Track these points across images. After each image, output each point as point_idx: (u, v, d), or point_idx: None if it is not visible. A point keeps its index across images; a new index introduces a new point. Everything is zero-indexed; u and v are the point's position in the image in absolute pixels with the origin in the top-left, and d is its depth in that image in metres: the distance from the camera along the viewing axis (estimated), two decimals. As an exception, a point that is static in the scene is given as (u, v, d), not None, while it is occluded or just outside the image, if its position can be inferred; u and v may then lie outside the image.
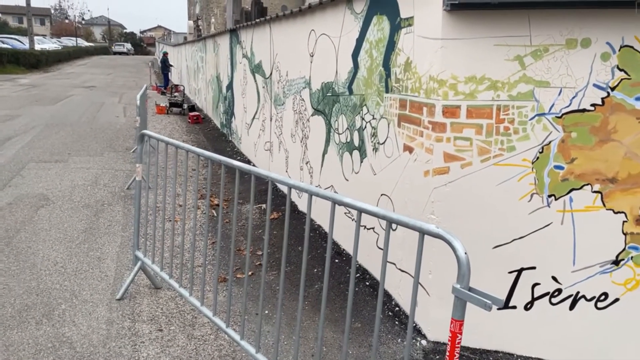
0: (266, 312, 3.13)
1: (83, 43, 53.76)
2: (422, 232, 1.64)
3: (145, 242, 3.41)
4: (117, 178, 6.25)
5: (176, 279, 3.26)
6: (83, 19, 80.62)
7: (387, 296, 3.30)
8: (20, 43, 33.14)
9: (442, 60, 2.65)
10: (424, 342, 2.86)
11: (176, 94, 14.38)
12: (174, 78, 19.43)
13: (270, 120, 6.48)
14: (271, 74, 6.36)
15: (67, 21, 73.06)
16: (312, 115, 4.83)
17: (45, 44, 37.82)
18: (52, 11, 73.14)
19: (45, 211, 4.87)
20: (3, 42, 31.36)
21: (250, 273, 3.63)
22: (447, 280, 2.67)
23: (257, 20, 6.98)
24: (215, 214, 4.77)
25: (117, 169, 6.74)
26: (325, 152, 4.51)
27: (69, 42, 49.04)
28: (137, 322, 2.98)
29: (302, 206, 4.93)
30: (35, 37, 34.31)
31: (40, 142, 8.27)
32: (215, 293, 2.60)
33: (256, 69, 7.20)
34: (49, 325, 2.88)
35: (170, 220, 3.32)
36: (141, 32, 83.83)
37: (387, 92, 3.30)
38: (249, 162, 7.47)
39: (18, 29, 48.18)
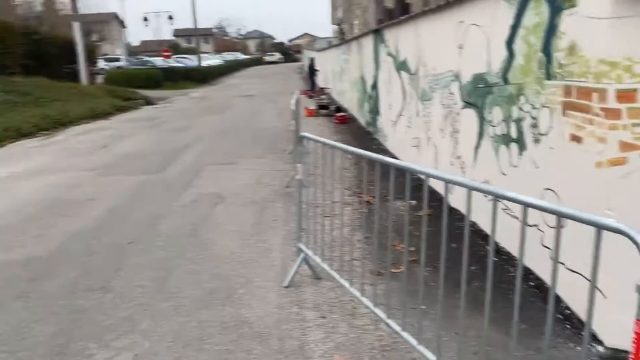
0: (423, 307, 3.17)
1: (240, 56, 59.07)
2: (599, 228, 1.54)
3: (307, 236, 3.70)
4: (277, 177, 6.81)
5: (336, 270, 3.47)
6: (240, 34, 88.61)
7: (555, 297, 3.11)
8: (191, 61, 37.61)
9: (613, 40, 2.42)
10: (600, 348, 2.64)
11: (323, 96, 15.07)
12: (320, 81, 20.36)
13: (417, 116, 6.46)
14: (417, 69, 6.34)
15: (226, 38, 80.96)
16: (463, 108, 4.73)
17: (210, 60, 42.33)
18: (214, 30, 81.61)
19: (221, 207, 5.53)
20: (178, 62, 35.88)
21: (404, 268, 3.70)
22: (626, 280, 2.44)
23: (402, 17, 7.02)
24: (368, 209, 4.94)
25: (276, 169, 7.34)
26: (478, 145, 4.38)
27: (229, 56, 54.24)
28: (303, 309, 3.25)
29: (455, 202, 4.84)
30: (202, 55, 38.62)
31: (214, 147, 9.36)
32: (373, 285, 2.72)
33: (401, 66, 7.24)
34: (231, 307, 3.30)
35: (327, 216, 3.54)
36: (289, 41, 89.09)
37: (548, 79, 3.11)
38: (395, 159, 7.54)
39: (187, 49, 54.64)
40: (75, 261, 4.15)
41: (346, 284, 3.12)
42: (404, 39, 6.98)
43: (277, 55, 66.57)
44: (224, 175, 7.06)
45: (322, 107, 13.85)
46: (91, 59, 23.45)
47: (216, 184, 6.61)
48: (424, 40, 6.03)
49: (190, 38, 62.84)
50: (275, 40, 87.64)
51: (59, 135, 11.92)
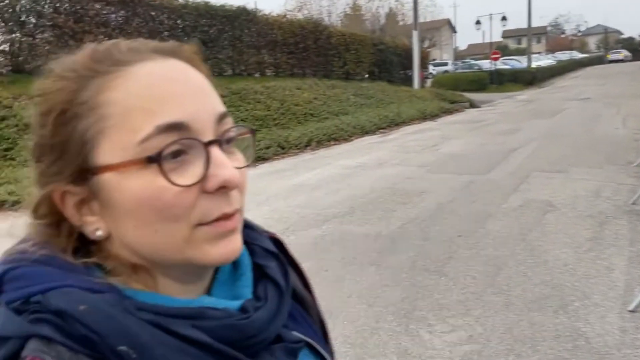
0: None
1: (576, 55, 53.61)
2: None
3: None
4: (620, 192, 6.07)
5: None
6: (579, 31, 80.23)
7: None
8: (518, 62, 36.35)
9: None
10: None
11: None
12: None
13: None
14: None
15: (562, 36, 74.63)
16: None
17: (540, 60, 40.00)
18: (548, 28, 76.36)
19: (552, 216, 5.33)
20: (504, 64, 35.24)
21: None
22: None
23: None
24: None
25: (618, 182, 6.53)
26: None
27: (562, 56, 49.98)
28: (652, 339, 2.90)
29: None
30: (532, 55, 36.78)
31: (541, 153, 8.97)
32: None
33: None
34: (565, 316, 3.21)
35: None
36: (640, 36, 75.69)
37: None
38: None
39: (516, 50, 52.91)
40: (413, 243, 4.74)
41: None
42: None
43: (623, 53, 57.49)
44: (554, 183, 6.72)
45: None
46: (423, 64, 25.46)
47: (545, 191, 6.36)
48: None
49: (520, 38, 60.79)
50: (623, 36, 75.84)
51: (393, 133, 13.48)
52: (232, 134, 0.58)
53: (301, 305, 0.71)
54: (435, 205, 6.01)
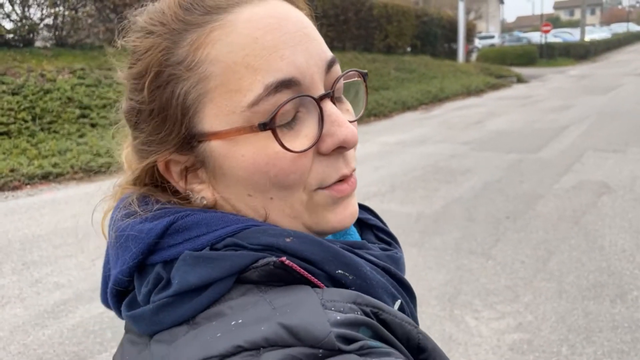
0: None
1: (634, 28, 50.46)
2: None
3: None
4: (683, 174, 5.64)
5: None
6: (638, 1, 75.30)
7: None
8: (571, 35, 34.56)
9: None
10: None
11: None
12: None
13: None
14: None
15: (619, 7, 70.30)
16: None
17: (595, 33, 37.92)
18: (604, 0, 72.03)
19: (607, 198, 5.00)
20: (555, 36, 33.55)
21: None
22: None
23: None
24: None
25: (682, 163, 6.08)
26: None
27: (619, 28, 47.16)
28: None
29: None
30: (586, 28, 34.88)
31: (595, 131, 8.48)
32: None
33: None
34: (623, 306, 3.00)
35: None
36: None
37: None
38: None
39: (568, 22, 50.30)
40: (458, 224, 4.56)
41: None
42: None
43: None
44: (609, 163, 6.32)
45: None
46: (469, 37, 24.51)
47: (600, 171, 5.99)
48: None
49: (573, 10, 57.68)
50: (685, 6, 70.73)
51: (436, 109, 13.09)
52: (342, 83, 0.52)
53: None
54: (481, 185, 5.76)
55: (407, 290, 0.55)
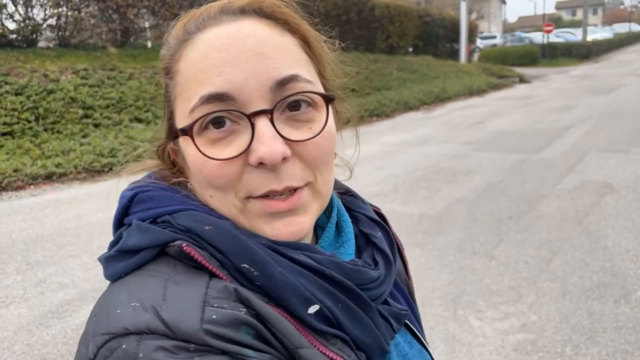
0: None
1: (636, 28, 50.38)
2: None
3: None
4: (687, 174, 5.63)
5: None
6: None
7: None
8: (572, 35, 34.50)
9: None
10: None
11: None
12: None
13: None
14: None
15: (621, 7, 70.21)
16: None
17: (597, 33, 37.83)
18: (606, 0, 71.90)
19: (610, 199, 5.00)
20: (557, 37, 33.49)
21: None
22: None
23: None
24: None
25: (685, 164, 6.07)
26: None
27: (621, 28, 47.08)
28: None
29: None
30: (588, 28, 34.83)
31: (597, 131, 8.47)
32: None
33: None
34: (627, 306, 3.00)
35: None
36: None
37: None
38: None
39: (570, 22, 50.24)
40: (460, 224, 4.55)
41: None
42: None
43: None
44: (612, 164, 6.31)
45: None
46: (470, 37, 24.49)
47: (603, 172, 5.98)
48: None
49: (575, 10, 57.58)
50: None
51: (438, 109, 13.09)
52: (296, 98, 0.54)
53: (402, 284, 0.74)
54: (484, 185, 5.76)
55: (353, 296, 0.54)
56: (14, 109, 7.28)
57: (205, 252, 0.51)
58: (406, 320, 0.66)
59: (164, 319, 0.46)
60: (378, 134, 9.57)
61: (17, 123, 7.19)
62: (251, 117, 0.51)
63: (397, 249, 0.76)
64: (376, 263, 0.61)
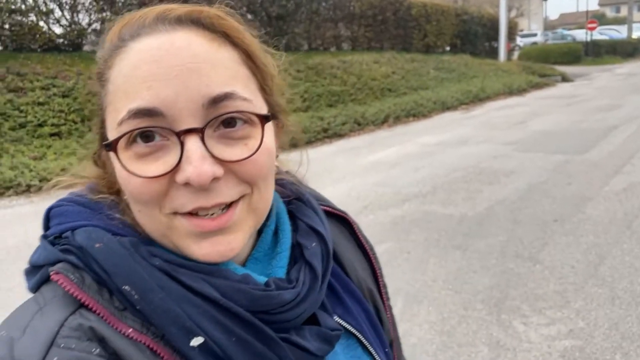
0: None
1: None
2: None
3: None
4: None
5: None
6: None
7: None
8: (617, 33, 33.25)
9: None
10: None
11: None
12: None
13: None
14: None
15: (670, 1, 67.04)
16: None
17: (644, 29, 36.25)
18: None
19: (663, 202, 4.78)
20: (601, 34, 32.33)
21: None
22: None
23: None
24: None
25: None
26: None
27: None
28: None
29: None
30: (633, 25, 33.50)
31: (647, 131, 8.13)
32: None
33: None
34: (683, 316, 2.86)
35: None
36: None
37: None
38: None
39: (614, 19, 48.42)
40: (502, 227, 4.45)
41: None
42: None
43: None
44: (664, 165, 6.04)
45: None
46: (510, 35, 23.91)
47: (654, 173, 5.73)
48: None
49: (619, 6, 55.43)
50: None
51: (477, 109, 12.82)
52: (230, 116, 0.51)
53: (361, 294, 0.68)
54: (526, 186, 5.61)
55: (252, 330, 0.50)
56: (61, 111, 7.57)
57: (80, 276, 0.49)
58: (357, 334, 0.62)
59: (14, 355, 0.44)
60: (415, 134, 9.46)
61: (64, 124, 7.48)
62: (180, 135, 0.49)
63: (366, 255, 0.73)
64: (297, 280, 0.56)
